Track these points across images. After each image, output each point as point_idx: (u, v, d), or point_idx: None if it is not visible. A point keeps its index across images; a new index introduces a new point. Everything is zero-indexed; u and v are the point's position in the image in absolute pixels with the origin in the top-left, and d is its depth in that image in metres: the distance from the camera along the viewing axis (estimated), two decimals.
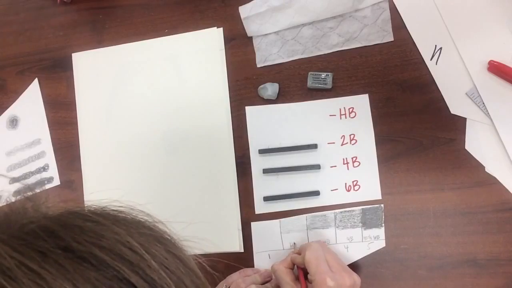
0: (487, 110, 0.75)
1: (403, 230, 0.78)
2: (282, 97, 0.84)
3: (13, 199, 0.41)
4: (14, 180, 0.94)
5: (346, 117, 0.82)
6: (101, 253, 0.33)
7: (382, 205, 0.78)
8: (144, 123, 0.89)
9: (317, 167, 0.81)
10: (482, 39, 0.77)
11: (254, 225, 0.83)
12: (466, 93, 0.77)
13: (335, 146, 0.82)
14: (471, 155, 0.76)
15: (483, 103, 0.76)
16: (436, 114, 0.78)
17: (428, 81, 0.79)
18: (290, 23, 0.83)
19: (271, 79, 0.84)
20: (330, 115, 0.82)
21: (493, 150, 0.76)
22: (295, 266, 0.73)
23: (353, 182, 0.80)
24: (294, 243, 0.81)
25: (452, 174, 0.77)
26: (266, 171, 0.83)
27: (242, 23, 0.86)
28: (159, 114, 0.89)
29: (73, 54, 0.94)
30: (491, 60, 0.75)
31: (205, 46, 0.88)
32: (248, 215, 0.83)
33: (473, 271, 0.75)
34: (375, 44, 0.81)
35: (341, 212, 0.80)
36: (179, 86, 0.88)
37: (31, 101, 0.95)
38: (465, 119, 0.77)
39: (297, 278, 0.72)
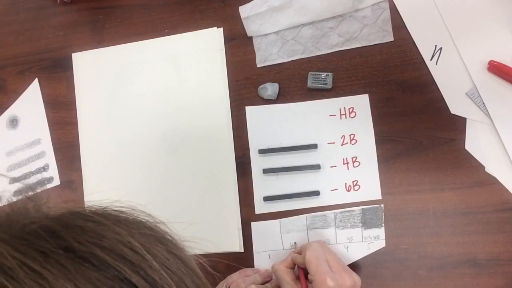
0: (487, 110, 0.76)
1: (403, 230, 0.78)
2: (282, 97, 0.84)
3: (14, 199, 0.41)
4: (14, 180, 0.94)
5: (346, 117, 0.82)
6: (102, 253, 0.33)
7: (382, 205, 0.78)
8: (144, 123, 0.89)
9: (317, 167, 0.81)
10: (482, 39, 0.77)
11: (254, 225, 0.83)
12: (466, 93, 0.77)
13: (335, 146, 0.82)
14: (471, 155, 0.76)
15: (483, 103, 0.76)
16: (436, 114, 0.78)
17: (428, 81, 0.79)
18: (290, 23, 0.83)
19: (271, 79, 0.84)
20: (330, 115, 0.82)
21: (493, 150, 0.76)
22: (296, 266, 0.73)
23: (353, 182, 0.80)
24: (295, 243, 0.81)
25: (452, 174, 0.77)
26: (266, 171, 0.83)
27: (242, 23, 0.86)
28: (159, 114, 0.89)
29: (73, 54, 0.94)
30: (491, 60, 0.75)
31: (205, 46, 0.88)
32: (248, 215, 0.83)
33: (473, 271, 0.75)
34: (375, 44, 0.81)
35: (341, 212, 0.80)
36: (179, 86, 0.88)
37: (31, 101, 0.95)
38: (465, 119, 0.77)
39: (297, 278, 0.72)
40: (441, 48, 0.79)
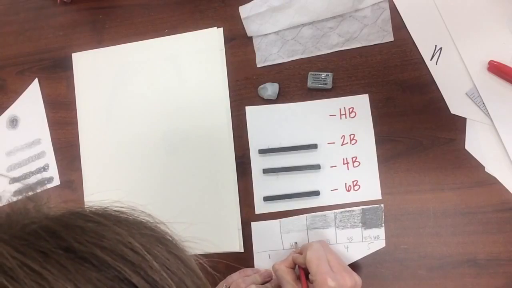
0: (487, 110, 0.76)
1: (403, 230, 0.78)
2: (282, 97, 0.84)
3: (14, 199, 0.41)
4: (14, 180, 0.94)
5: (346, 117, 0.82)
6: (103, 253, 0.33)
7: (382, 205, 0.78)
8: (144, 123, 0.89)
9: (317, 167, 0.81)
10: (482, 39, 0.77)
11: (254, 225, 0.83)
12: (466, 93, 0.77)
13: (335, 146, 0.82)
14: (471, 155, 0.76)
15: (483, 103, 0.76)
16: (436, 114, 0.78)
17: (428, 81, 0.79)
18: (290, 23, 0.83)
19: (271, 79, 0.84)
20: (330, 115, 0.82)
21: (493, 150, 0.76)
22: (296, 265, 0.73)
23: (353, 182, 0.80)
24: (296, 243, 0.81)
25: (452, 174, 0.77)
26: (266, 171, 0.83)
27: (242, 23, 0.86)
28: (159, 114, 0.89)
29: (73, 54, 0.94)
30: (491, 60, 0.75)
31: (205, 46, 0.88)
32: (248, 215, 0.83)
33: (473, 271, 0.75)
34: (375, 44, 0.81)
35: (341, 212, 0.80)
36: (179, 86, 0.88)
37: (31, 101, 0.95)
38: (465, 119, 0.77)
39: (298, 278, 0.72)
40: (441, 48, 0.79)
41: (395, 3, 0.81)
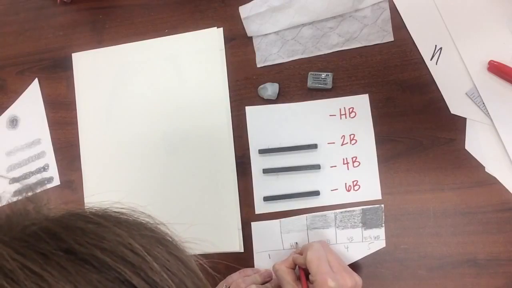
0: (487, 110, 0.76)
1: (403, 230, 0.78)
2: (282, 97, 0.84)
3: (14, 199, 0.41)
4: (14, 180, 0.94)
5: (346, 117, 0.82)
6: (103, 255, 0.33)
7: (382, 205, 0.78)
8: (144, 123, 0.89)
9: (317, 167, 0.81)
10: (482, 39, 0.77)
11: (254, 225, 0.83)
12: (466, 93, 0.77)
13: (335, 146, 0.82)
14: (471, 155, 0.77)
15: (483, 103, 0.76)
16: (436, 114, 0.78)
17: (428, 81, 0.79)
18: (290, 23, 0.83)
19: (271, 79, 0.84)
20: (330, 115, 0.82)
21: (493, 150, 0.76)
22: (297, 266, 0.73)
23: (353, 182, 0.80)
24: (296, 243, 0.81)
25: (452, 174, 0.77)
26: (266, 171, 0.83)
27: (242, 23, 0.86)
28: (159, 114, 0.89)
29: (73, 54, 0.94)
30: (491, 60, 0.75)
31: (205, 46, 0.88)
32: (248, 215, 0.83)
33: (473, 271, 0.75)
34: (375, 44, 0.81)
35: (341, 212, 0.80)
36: (179, 86, 0.88)
37: (31, 101, 0.95)
38: (465, 119, 0.77)
39: (298, 279, 0.72)
40: (441, 48, 0.79)
41: (395, 3, 0.81)
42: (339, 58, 0.83)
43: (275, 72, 0.85)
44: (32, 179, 0.93)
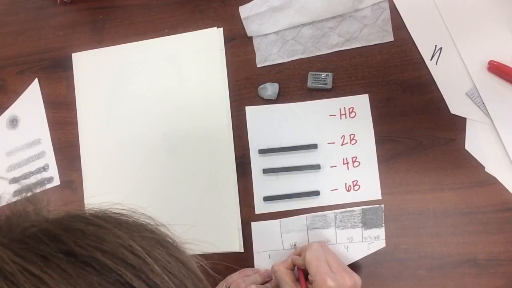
0: (487, 110, 0.76)
1: (403, 230, 0.78)
2: (282, 97, 0.84)
3: (14, 199, 0.41)
4: (14, 180, 0.94)
5: (346, 117, 0.82)
6: (104, 257, 0.33)
7: (382, 205, 0.78)
8: (144, 123, 0.89)
9: (317, 167, 0.81)
10: (482, 39, 0.77)
11: (254, 225, 0.83)
12: (466, 93, 0.77)
13: (335, 146, 0.82)
14: (471, 155, 0.77)
15: (483, 103, 0.76)
16: (436, 114, 0.78)
17: (428, 81, 0.79)
18: (290, 23, 0.83)
19: (271, 79, 0.84)
20: (330, 115, 0.82)
21: (493, 150, 0.76)
22: (295, 267, 0.73)
23: (353, 182, 0.80)
24: (295, 244, 0.81)
25: (452, 174, 0.77)
26: (266, 171, 0.83)
27: (242, 23, 0.86)
28: (159, 114, 0.89)
29: (73, 54, 0.94)
30: (491, 60, 0.75)
31: (205, 46, 0.88)
32: (248, 215, 0.83)
33: (473, 271, 0.75)
34: (375, 44, 0.81)
35: (341, 212, 0.80)
36: (179, 86, 0.88)
37: (31, 101, 0.95)
38: (465, 119, 0.77)
39: (297, 279, 0.72)
40: (441, 48, 0.79)
41: (395, 3, 0.81)
42: (339, 58, 0.82)
43: (275, 72, 0.85)
44: (32, 179, 0.93)
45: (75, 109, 0.92)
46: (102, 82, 0.92)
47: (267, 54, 0.85)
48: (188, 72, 0.88)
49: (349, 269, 0.69)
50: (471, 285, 0.75)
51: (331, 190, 0.81)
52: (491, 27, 0.77)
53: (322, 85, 0.81)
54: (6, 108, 0.96)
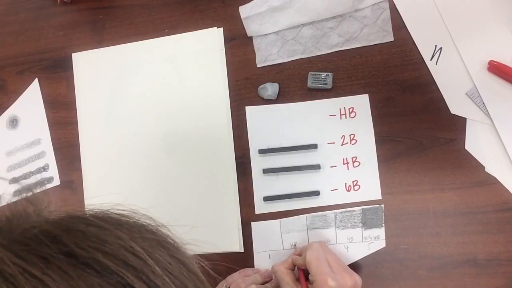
0: (487, 110, 0.76)
1: (403, 230, 0.78)
2: (282, 97, 0.84)
3: (14, 199, 0.41)
4: (14, 180, 0.93)
5: (346, 117, 0.82)
6: (105, 259, 0.32)
7: (382, 205, 0.78)
8: (144, 123, 0.89)
9: (317, 167, 0.81)
10: (482, 39, 0.77)
11: (254, 225, 0.83)
12: (466, 93, 0.77)
13: (335, 146, 0.82)
14: (471, 155, 0.77)
15: (483, 103, 0.76)
16: (436, 114, 0.78)
17: (428, 81, 0.79)
18: (290, 23, 0.83)
19: (271, 79, 0.84)
20: (330, 115, 0.82)
21: (493, 150, 0.76)
22: (296, 267, 0.73)
23: (353, 182, 0.80)
24: (295, 244, 0.81)
25: (452, 174, 0.77)
26: (266, 171, 0.83)
27: (242, 23, 0.86)
28: (159, 114, 0.89)
29: (73, 54, 0.94)
30: (491, 60, 0.75)
31: (205, 46, 0.88)
32: (248, 215, 0.83)
33: (473, 271, 0.75)
34: (375, 44, 0.81)
35: (341, 212, 0.80)
36: (179, 86, 0.88)
37: (31, 101, 0.95)
38: (465, 119, 0.77)
39: (297, 279, 0.72)
40: (441, 48, 0.79)
41: (395, 3, 0.81)
42: (339, 58, 0.82)
43: (275, 72, 0.85)
44: (32, 179, 0.93)
45: (75, 109, 0.92)
46: (102, 82, 0.92)
47: (267, 54, 0.85)
48: (188, 72, 0.88)
49: (349, 269, 0.69)
50: (471, 285, 0.75)
51: (331, 190, 0.81)
52: (491, 27, 0.77)
53: (322, 85, 0.81)
54: (6, 108, 0.96)
